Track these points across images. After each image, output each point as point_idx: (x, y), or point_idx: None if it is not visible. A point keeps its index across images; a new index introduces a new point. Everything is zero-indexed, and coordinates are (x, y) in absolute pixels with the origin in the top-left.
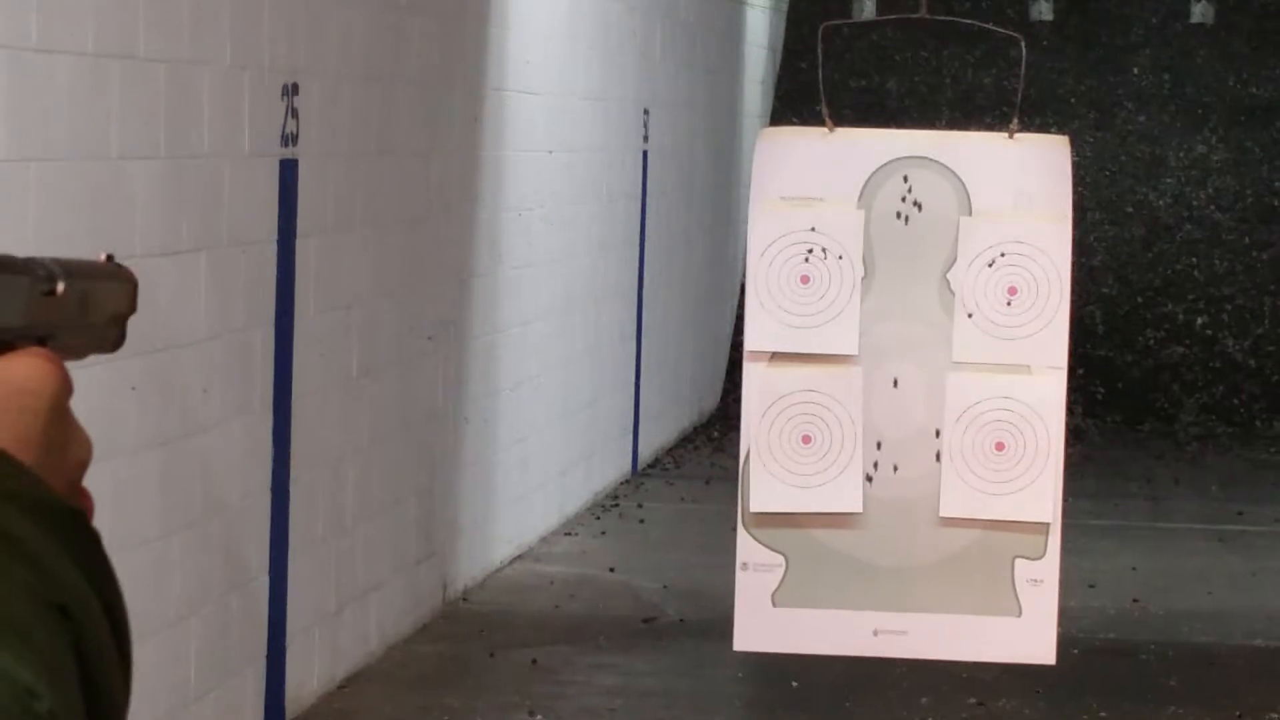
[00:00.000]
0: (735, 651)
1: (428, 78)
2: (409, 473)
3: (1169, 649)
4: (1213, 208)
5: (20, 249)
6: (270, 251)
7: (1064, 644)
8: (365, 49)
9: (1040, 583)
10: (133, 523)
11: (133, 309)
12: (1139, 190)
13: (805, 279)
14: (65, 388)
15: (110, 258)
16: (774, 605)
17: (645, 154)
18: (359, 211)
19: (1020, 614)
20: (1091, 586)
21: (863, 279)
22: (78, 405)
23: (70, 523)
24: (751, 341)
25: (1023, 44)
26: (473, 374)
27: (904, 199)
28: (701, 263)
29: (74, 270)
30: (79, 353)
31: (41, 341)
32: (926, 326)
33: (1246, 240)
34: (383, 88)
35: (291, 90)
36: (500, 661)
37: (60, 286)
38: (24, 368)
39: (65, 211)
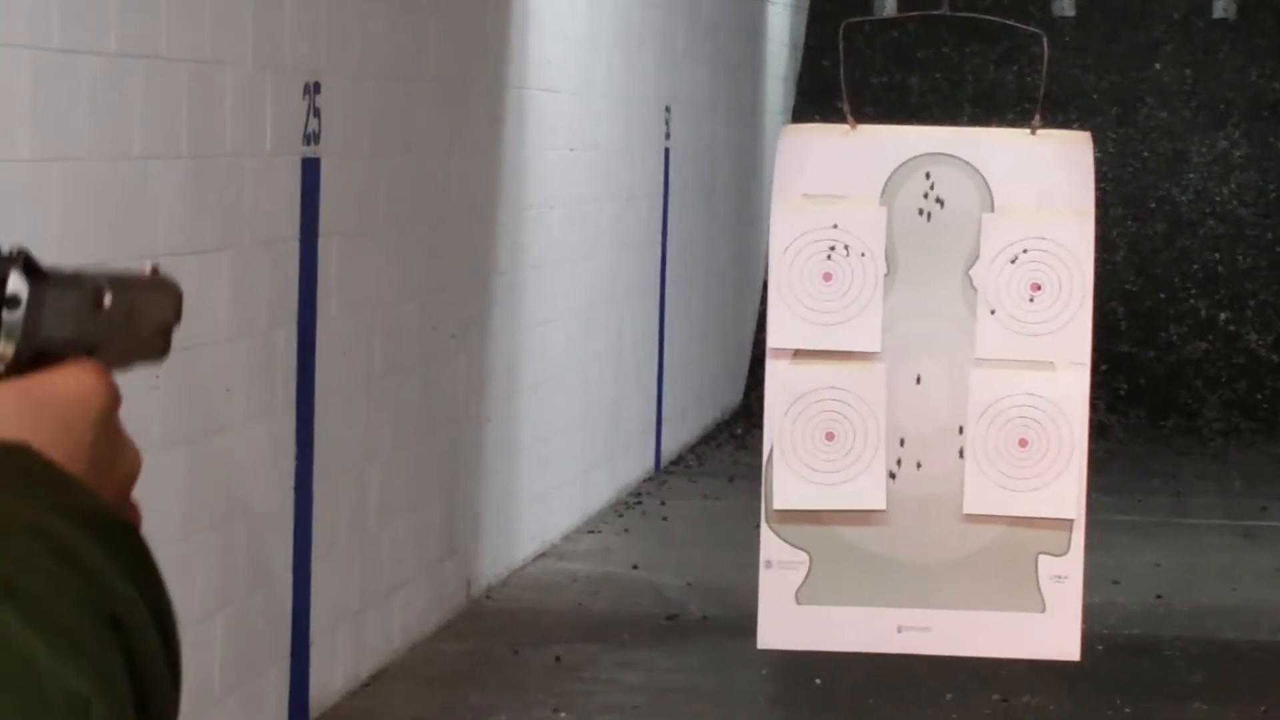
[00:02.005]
0: (759, 649)
1: (449, 76)
2: (432, 471)
3: (1193, 645)
4: (1235, 203)
5: (43, 249)
6: (293, 250)
7: (1088, 640)
8: (387, 48)
9: (1064, 579)
10: (156, 522)
11: (178, 319)
12: (1161, 186)
13: (828, 276)
14: (114, 400)
15: (155, 269)
16: (797, 603)
17: (667, 152)
18: (381, 210)
19: (1044, 610)
20: (1116, 582)
21: (885, 276)
22: None
23: (122, 535)
24: (774, 339)
25: (1044, 40)
26: (495, 373)
27: (926, 196)
28: (724, 260)
29: (121, 283)
30: (125, 363)
31: (90, 353)
32: (949, 323)
33: (1269, 235)
34: (404, 87)
35: (313, 89)
36: (524, 659)
37: (108, 299)
38: (73, 381)
39: (88, 211)
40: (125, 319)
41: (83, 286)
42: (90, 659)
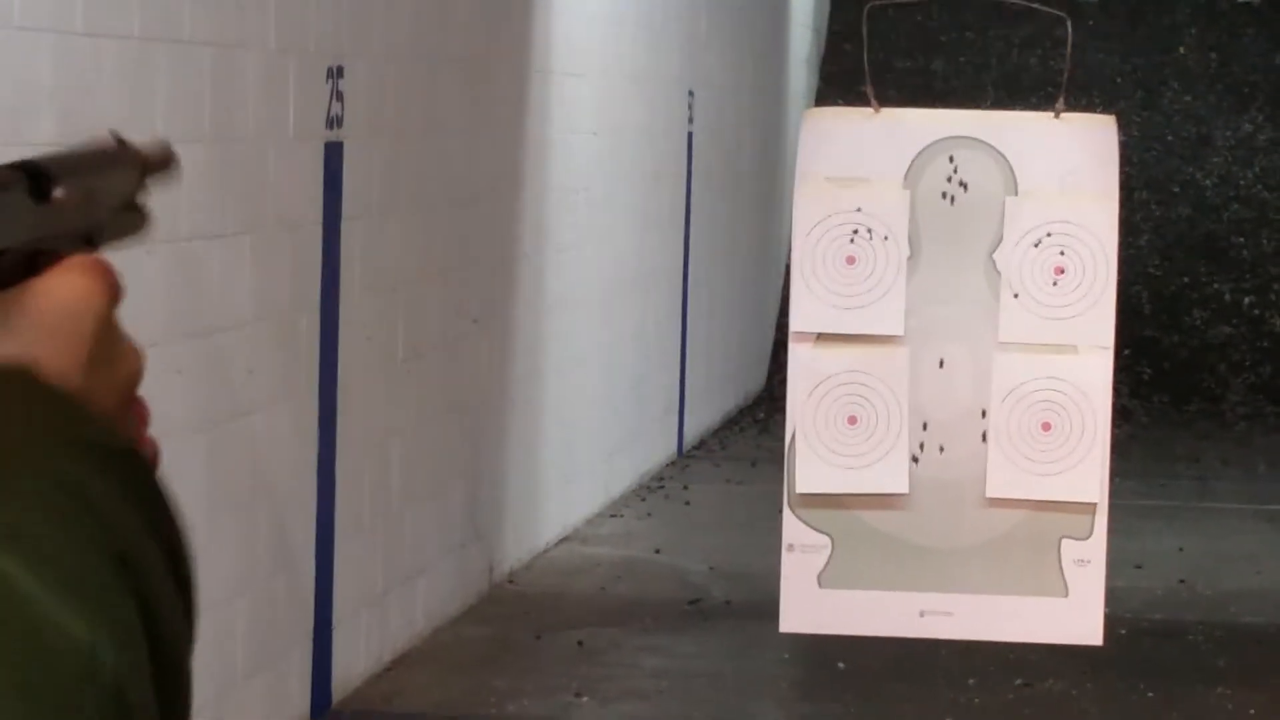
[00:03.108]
0: (781, 633)
1: (472, 60)
2: (455, 455)
3: (1217, 629)
4: (1260, 187)
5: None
6: (316, 234)
7: (1111, 625)
8: (410, 31)
9: (1087, 563)
10: (179, 505)
11: (143, 183)
12: (1185, 170)
13: (851, 259)
14: (111, 300)
15: (116, 137)
16: (820, 586)
17: (690, 135)
18: (404, 194)
19: (1067, 594)
20: (1139, 567)
21: (908, 259)
22: None
23: (130, 465)
24: (797, 322)
25: (1068, 23)
26: (518, 356)
27: (950, 179)
28: (747, 244)
29: (73, 165)
30: (107, 243)
31: (89, 242)
32: (973, 307)
33: None
34: (428, 70)
35: (336, 73)
36: (546, 643)
37: (59, 191)
38: (65, 287)
39: None
40: (84, 204)
41: (22, 184)
42: (98, 604)
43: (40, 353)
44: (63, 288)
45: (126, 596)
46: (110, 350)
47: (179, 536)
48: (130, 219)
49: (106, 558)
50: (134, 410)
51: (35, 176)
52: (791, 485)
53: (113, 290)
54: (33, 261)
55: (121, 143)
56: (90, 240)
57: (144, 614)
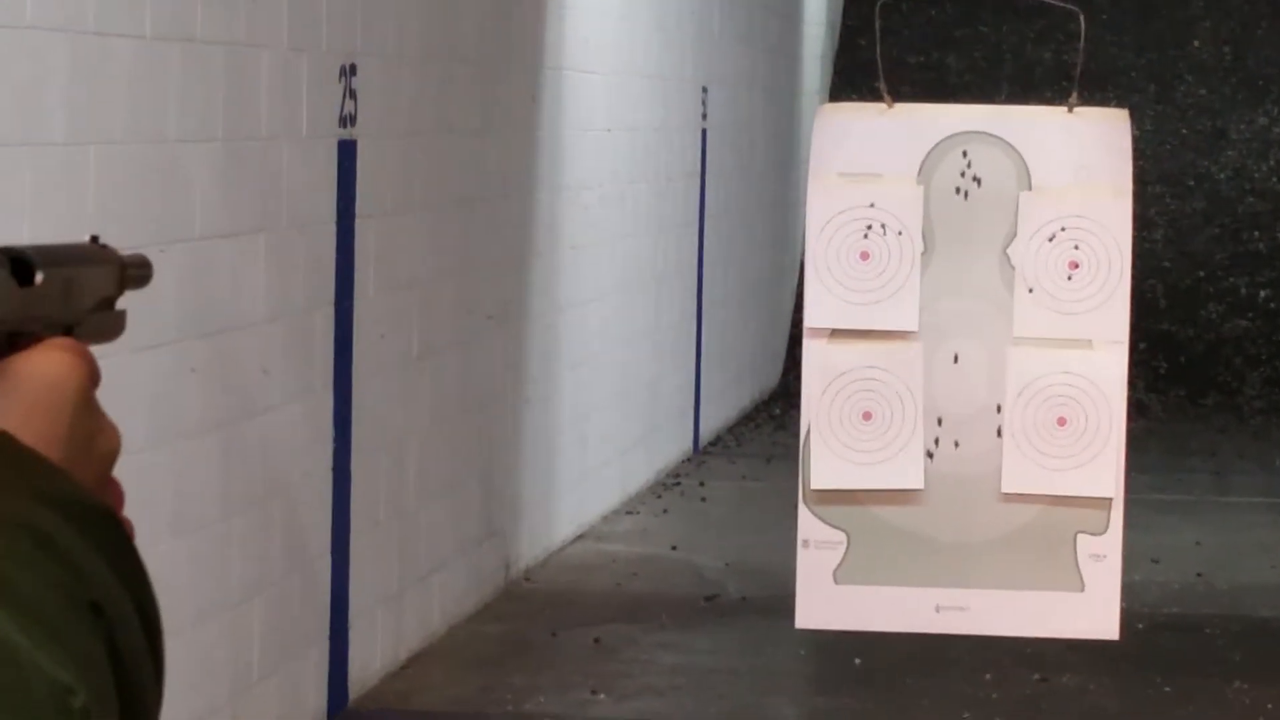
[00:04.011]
0: (797, 629)
1: (486, 58)
2: (470, 453)
3: (1233, 623)
4: (1275, 179)
5: (80, 233)
6: (329, 233)
7: (1127, 619)
8: (423, 29)
9: (1103, 558)
10: (194, 505)
11: (120, 291)
12: (1200, 164)
13: (865, 255)
14: (90, 379)
15: (95, 239)
16: (835, 583)
17: (704, 132)
18: (418, 192)
19: (1083, 589)
20: (1155, 561)
21: (922, 254)
22: (139, 389)
23: (103, 521)
24: (811, 318)
25: (1081, 17)
26: (533, 354)
27: (963, 174)
28: (762, 240)
29: (54, 257)
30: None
31: (68, 331)
32: (987, 302)
33: None
34: (441, 68)
35: (349, 71)
36: (563, 641)
37: (39, 276)
38: (46, 361)
39: (124, 194)
40: (63, 294)
41: (5, 265)
42: (72, 648)
43: (19, 424)
44: (44, 363)
45: (98, 643)
46: (89, 427)
47: (148, 592)
48: (107, 319)
49: (80, 606)
50: (110, 489)
51: (18, 261)
52: (806, 481)
53: (92, 370)
54: (12, 343)
55: (101, 246)
56: (68, 331)
57: (115, 662)
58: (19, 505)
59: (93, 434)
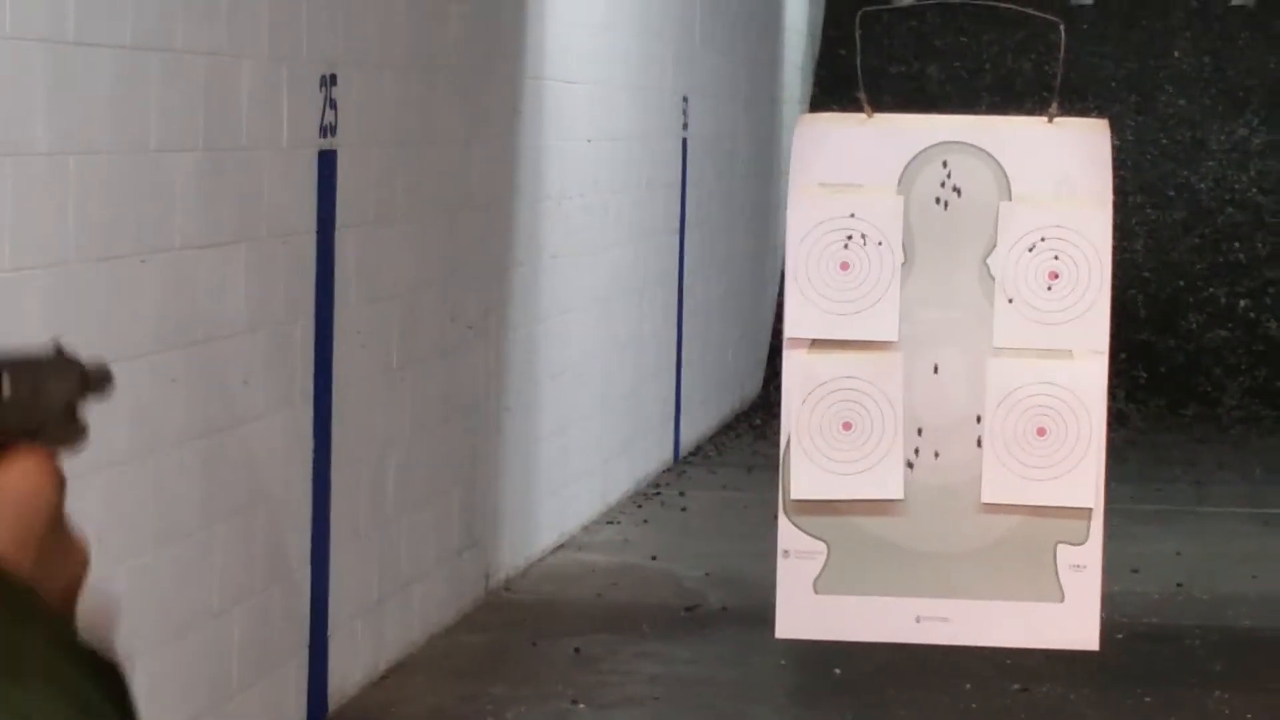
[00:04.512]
0: (777, 639)
1: (466, 67)
2: (451, 463)
3: (1213, 633)
4: (1254, 191)
5: (61, 243)
6: (310, 243)
7: (1107, 629)
8: (403, 39)
9: (1083, 568)
10: (175, 515)
11: (84, 394)
12: (1180, 174)
13: (845, 265)
14: (62, 492)
15: (59, 347)
16: (815, 592)
17: (685, 142)
18: (398, 202)
19: (1063, 599)
20: (1135, 571)
21: (902, 265)
22: (119, 399)
23: (112, 673)
24: (791, 328)
25: (1062, 28)
26: (514, 363)
27: (943, 184)
28: (742, 250)
29: (19, 366)
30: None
31: (32, 438)
32: (967, 312)
33: None
34: (421, 78)
35: (330, 81)
36: (543, 650)
37: (6, 385)
38: (22, 475)
39: (105, 204)
40: (29, 402)
41: None
42: None
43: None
44: (20, 477)
45: None
46: (60, 544)
47: None
48: (70, 428)
49: None
50: (74, 607)
51: None
52: (787, 491)
53: (63, 485)
54: None
55: (62, 351)
56: (33, 437)
57: None
58: (50, 657)
59: (64, 551)
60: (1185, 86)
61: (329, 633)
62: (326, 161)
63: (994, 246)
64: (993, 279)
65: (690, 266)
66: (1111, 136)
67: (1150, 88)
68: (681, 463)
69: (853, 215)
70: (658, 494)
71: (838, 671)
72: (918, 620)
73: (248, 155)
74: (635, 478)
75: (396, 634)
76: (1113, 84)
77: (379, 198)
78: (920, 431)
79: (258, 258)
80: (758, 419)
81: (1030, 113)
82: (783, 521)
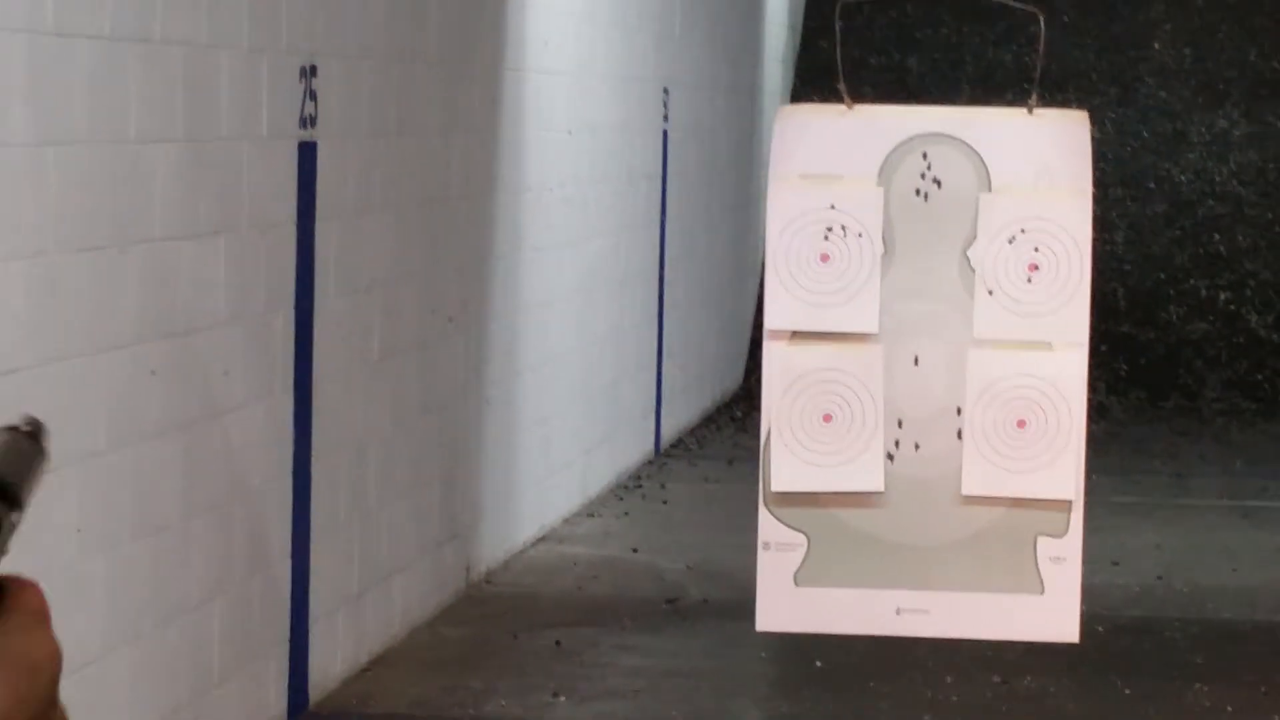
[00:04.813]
0: (758, 632)
1: (447, 59)
2: (431, 454)
3: (1194, 625)
4: (1235, 183)
5: (40, 233)
6: (290, 234)
7: (1088, 622)
8: (383, 30)
9: (1063, 560)
10: (154, 507)
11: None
12: (1161, 166)
13: (825, 257)
14: (61, 660)
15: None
16: (796, 585)
17: (665, 133)
18: (378, 193)
19: (1043, 592)
20: (1115, 564)
21: (882, 256)
22: (99, 391)
23: None
24: (771, 320)
25: (1041, 19)
26: (494, 355)
27: (923, 176)
28: (723, 242)
29: (30, 479)
30: None
31: None
32: (947, 304)
33: (1269, 215)
34: (401, 69)
35: (310, 72)
36: (524, 643)
37: (15, 517)
38: (32, 644)
39: (84, 195)
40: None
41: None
42: None
43: (6, 706)
44: (29, 644)
45: None
46: (50, 714)
47: None
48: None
49: None
50: None
51: (5, 491)
52: (767, 483)
53: (60, 658)
54: None
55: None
56: None
57: None
58: None
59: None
60: (1166, 78)
61: (309, 625)
62: (306, 153)
63: (974, 238)
64: (973, 270)
65: (671, 258)
66: (1092, 128)
67: (1130, 79)
68: (662, 455)
69: (833, 207)
70: (639, 486)
71: (819, 664)
72: (898, 612)
73: (228, 146)
74: (616, 470)
75: (377, 626)
76: (1093, 76)
77: (359, 189)
78: (900, 423)
79: (238, 249)
80: (739, 411)
81: (1010, 104)
82: (763, 514)
